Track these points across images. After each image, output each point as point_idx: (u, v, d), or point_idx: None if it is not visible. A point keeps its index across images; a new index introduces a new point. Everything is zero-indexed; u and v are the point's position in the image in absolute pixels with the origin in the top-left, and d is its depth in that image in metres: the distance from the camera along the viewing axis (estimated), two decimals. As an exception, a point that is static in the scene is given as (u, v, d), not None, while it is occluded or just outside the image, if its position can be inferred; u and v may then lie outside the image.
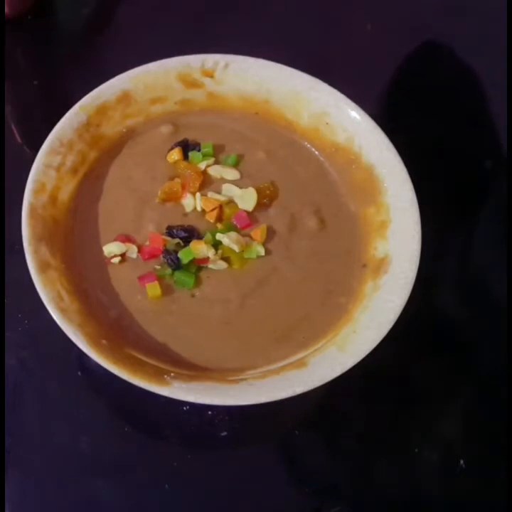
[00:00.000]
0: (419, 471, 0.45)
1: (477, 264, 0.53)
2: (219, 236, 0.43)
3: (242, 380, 0.40)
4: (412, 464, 0.45)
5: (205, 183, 0.46)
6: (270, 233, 0.45)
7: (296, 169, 0.48)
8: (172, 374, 0.39)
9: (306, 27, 0.63)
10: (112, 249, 0.43)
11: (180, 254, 0.43)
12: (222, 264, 0.43)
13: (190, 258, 0.43)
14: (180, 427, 0.45)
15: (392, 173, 0.45)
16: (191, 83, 0.49)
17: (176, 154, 0.47)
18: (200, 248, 0.43)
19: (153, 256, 0.43)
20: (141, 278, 0.43)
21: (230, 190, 0.46)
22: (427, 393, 0.47)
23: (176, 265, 0.43)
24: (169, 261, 0.43)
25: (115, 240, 0.44)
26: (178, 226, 0.44)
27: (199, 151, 0.47)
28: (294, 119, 0.49)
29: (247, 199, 0.46)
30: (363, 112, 0.47)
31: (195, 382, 0.39)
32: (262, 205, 0.46)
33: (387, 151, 0.46)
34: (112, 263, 0.43)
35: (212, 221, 0.45)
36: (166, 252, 0.43)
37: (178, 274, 0.43)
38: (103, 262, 0.44)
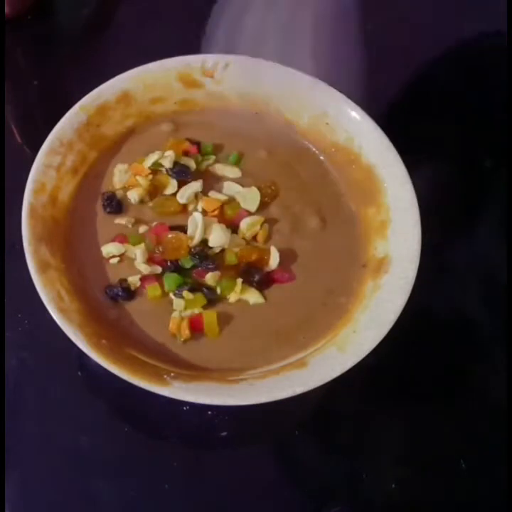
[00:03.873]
0: (419, 471, 0.45)
1: (477, 264, 0.53)
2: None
3: (242, 380, 0.40)
4: (412, 464, 0.45)
5: (206, 182, 0.46)
6: (272, 232, 0.45)
7: (297, 169, 0.48)
8: (172, 374, 0.39)
9: (306, 27, 0.63)
10: (110, 249, 0.43)
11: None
12: None
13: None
14: (180, 427, 0.45)
15: (392, 173, 0.45)
16: (191, 83, 0.49)
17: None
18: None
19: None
20: (141, 279, 0.43)
21: (231, 188, 0.46)
22: (427, 393, 0.47)
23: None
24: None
25: (113, 240, 0.44)
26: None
27: (199, 148, 0.47)
28: (294, 119, 0.49)
29: (250, 199, 0.46)
30: (363, 112, 0.47)
31: (195, 382, 0.39)
32: (263, 203, 0.46)
33: (387, 151, 0.46)
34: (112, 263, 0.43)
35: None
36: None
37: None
38: (103, 261, 0.44)
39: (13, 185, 0.44)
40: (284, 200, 0.47)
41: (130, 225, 0.44)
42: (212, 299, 0.42)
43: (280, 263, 0.44)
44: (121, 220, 0.44)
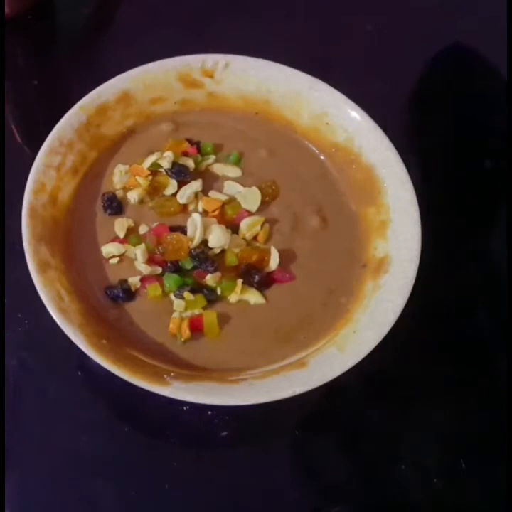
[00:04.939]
0: (419, 471, 0.45)
1: (477, 263, 0.53)
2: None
3: (242, 380, 0.40)
4: (412, 463, 0.45)
5: (206, 182, 0.46)
6: (273, 232, 0.45)
7: (298, 168, 0.48)
8: (172, 374, 0.39)
9: (306, 27, 0.63)
10: (110, 249, 0.43)
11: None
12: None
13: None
14: (180, 427, 0.45)
15: (392, 173, 0.45)
16: (191, 83, 0.49)
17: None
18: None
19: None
20: (142, 279, 0.43)
21: (232, 188, 0.46)
22: (427, 393, 0.47)
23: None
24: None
25: (113, 240, 0.44)
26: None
27: (199, 147, 0.47)
28: (294, 119, 0.49)
29: (250, 199, 0.46)
30: (363, 112, 0.47)
31: (195, 382, 0.39)
32: (263, 203, 0.46)
33: (387, 151, 0.46)
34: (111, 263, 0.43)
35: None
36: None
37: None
38: (103, 262, 0.44)
39: (13, 185, 0.44)
40: (284, 200, 0.47)
41: (123, 233, 0.44)
42: (213, 299, 0.42)
43: (280, 263, 0.44)
44: (120, 227, 0.44)
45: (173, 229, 0.44)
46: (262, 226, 0.45)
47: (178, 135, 0.48)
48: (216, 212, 0.45)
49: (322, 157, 0.49)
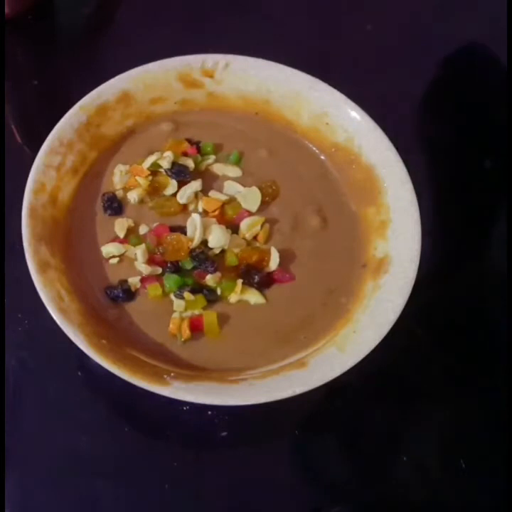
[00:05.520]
0: (419, 471, 0.45)
1: (477, 264, 0.53)
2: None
3: (242, 380, 0.40)
4: (412, 463, 0.45)
5: (206, 182, 0.46)
6: (273, 232, 0.45)
7: (298, 168, 0.48)
8: (172, 374, 0.39)
9: (307, 27, 0.63)
10: (110, 249, 0.43)
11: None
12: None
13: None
14: (180, 427, 0.45)
15: (392, 173, 0.45)
16: (191, 83, 0.49)
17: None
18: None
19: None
20: (142, 279, 0.43)
21: (232, 188, 0.46)
22: (427, 393, 0.47)
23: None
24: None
25: (113, 240, 0.44)
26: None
27: (199, 147, 0.47)
28: (294, 119, 0.49)
29: (251, 199, 0.46)
30: (363, 112, 0.47)
31: (195, 382, 0.39)
32: (263, 203, 0.46)
33: (387, 151, 0.46)
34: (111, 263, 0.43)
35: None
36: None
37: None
38: (103, 262, 0.44)
39: (13, 185, 0.44)
40: (284, 200, 0.47)
41: (123, 234, 0.44)
42: (213, 299, 0.42)
43: (280, 263, 0.44)
44: (120, 227, 0.44)
45: (173, 229, 0.44)
46: (262, 226, 0.45)
47: (178, 135, 0.48)
48: (216, 212, 0.45)
49: (322, 157, 0.49)
